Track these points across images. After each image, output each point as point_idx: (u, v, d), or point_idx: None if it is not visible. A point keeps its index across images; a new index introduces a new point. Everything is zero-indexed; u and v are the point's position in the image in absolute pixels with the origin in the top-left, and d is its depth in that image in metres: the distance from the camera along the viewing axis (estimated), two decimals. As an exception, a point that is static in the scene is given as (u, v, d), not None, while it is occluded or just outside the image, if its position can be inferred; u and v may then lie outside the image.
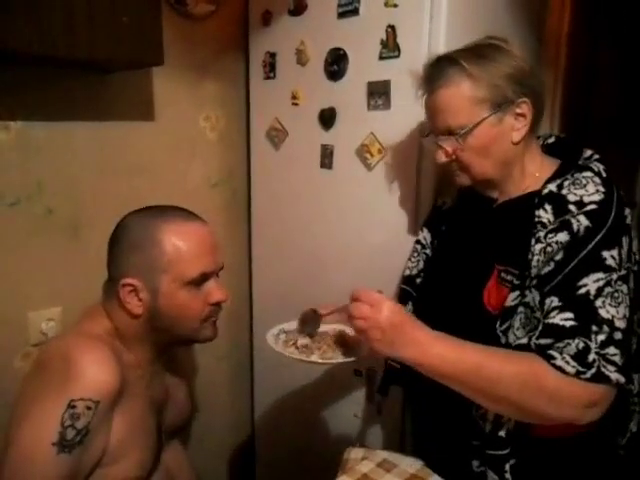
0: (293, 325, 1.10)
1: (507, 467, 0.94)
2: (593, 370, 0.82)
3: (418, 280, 1.19)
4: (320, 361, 1.01)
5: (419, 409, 1.19)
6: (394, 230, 1.34)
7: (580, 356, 0.83)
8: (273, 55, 1.58)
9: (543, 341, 0.86)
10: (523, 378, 0.85)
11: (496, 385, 0.86)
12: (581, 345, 0.83)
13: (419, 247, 1.21)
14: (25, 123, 1.30)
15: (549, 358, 0.84)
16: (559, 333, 0.85)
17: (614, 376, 0.82)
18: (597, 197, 0.88)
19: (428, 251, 1.20)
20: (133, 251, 0.98)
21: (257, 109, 1.68)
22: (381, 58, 1.29)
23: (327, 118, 1.45)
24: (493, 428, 0.95)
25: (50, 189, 1.36)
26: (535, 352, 0.87)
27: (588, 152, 0.98)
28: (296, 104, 1.53)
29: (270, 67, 1.59)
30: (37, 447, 0.85)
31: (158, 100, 1.54)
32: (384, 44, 1.28)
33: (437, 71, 0.97)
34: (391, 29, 1.26)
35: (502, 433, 0.94)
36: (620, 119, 2.33)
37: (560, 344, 0.84)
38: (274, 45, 1.57)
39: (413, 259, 1.21)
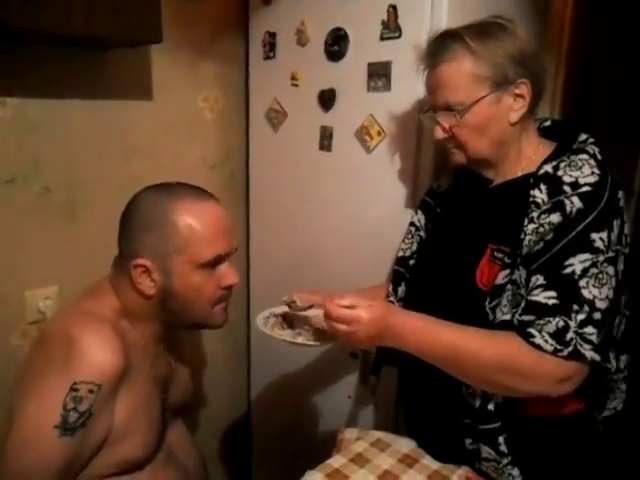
0: (283, 309, 1.11)
1: (501, 440, 0.96)
2: (570, 348, 0.84)
3: (411, 262, 1.20)
4: (309, 343, 1.02)
5: (411, 390, 1.20)
6: (393, 212, 1.34)
7: (559, 334, 0.85)
8: (273, 35, 1.56)
9: (526, 318, 0.88)
10: (498, 359, 0.88)
11: (472, 366, 0.90)
12: (561, 324, 0.85)
13: (413, 229, 1.21)
14: (22, 100, 1.29)
15: (528, 336, 0.87)
16: (541, 310, 0.87)
17: (589, 354, 0.85)
18: (592, 179, 0.89)
19: (422, 233, 1.20)
20: (146, 231, 0.95)
21: (256, 90, 1.66)
22: (382, 39, 1.28)
23: (327, 99, 1.44)
24: (482, 402, 0.97)
25: (47, 168, 1.35)
26: (516, 329, 0.89)
27: (584, 136, 0.98)
28: (296, 85, 1.52)
29: (270, 47, 1.57)
30: (39, 430, 0.84)
31: (156, 80, 1.53)
32: (385, 24, 1.27)
33: (440, 46, 0.96)
34: (392, 9, 1.24)
35: (491, 407, 0.96)
36: (621, 106, 2.32)
37: (541, 321, 0.86)
38: (274, 25, 1.55)
39: (407, 241, 1.22)
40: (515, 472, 0.96)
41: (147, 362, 1.01)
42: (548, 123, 1.08)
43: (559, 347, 0.84)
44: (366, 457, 1.07)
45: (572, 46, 1.86)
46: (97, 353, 0.87)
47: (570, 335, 0.84)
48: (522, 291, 0.91)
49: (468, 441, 1.01)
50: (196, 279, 0.96)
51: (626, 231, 0.91)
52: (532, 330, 0.87)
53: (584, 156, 0.92)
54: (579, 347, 0.84)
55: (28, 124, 1.31)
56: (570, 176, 0.90)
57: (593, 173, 0.89)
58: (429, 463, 1.05)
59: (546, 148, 1.00)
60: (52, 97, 1.34)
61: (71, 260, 1.42)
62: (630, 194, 2.57)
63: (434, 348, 0.92)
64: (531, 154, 1.00)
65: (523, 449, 0.96)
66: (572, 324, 0.85)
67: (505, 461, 0.96)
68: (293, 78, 1.52)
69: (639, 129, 2.47)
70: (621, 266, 0.89)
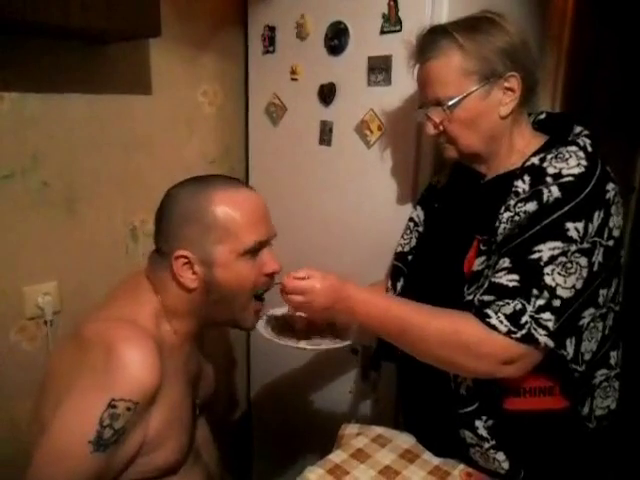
0: (282, 310, 1.10)
1: (478, 424, 0.96)
2: (524, 331, 0.85)
3: (409, 257, 1.20)
4: (309, 347, 1.03)
5: (408, 384, 1.20)
6: (393, 208, 1.33)
7: (514, 317, 0.86)
8: (272, 29, 1.55)
9: (486, 297, 0.89)
10: (444, 333, 0.90)
11: (418, 340, 0.93)
12: (518, 306, 0.86)
13: (412, 224, 1.21)
14: (20, 94, 1.28)
15: (484, 317, 0.87)
16: (501, 292, 0.87)
17: (542, 339, 0.85)
18: (576, 170, 0.88)
19: (420, 229, 1.20)
20: (185, 223, 0.93)
21: (256, 84, 1.65)
22: (382, 32, 1.27)
23: (327, 94, 1.43)
24: (455, 387, 0.98)
25: (45, 162, 1.34)
26: (474, 308, 0.90)
27: (578, 128, 0.98)
28: (295, 79, 1.51)
29: (269, 41, 1.56)
30: (73, 443, 0.82)
31: (155, 74, 1.52)
32: (386, 18, 1.26)
33: (429, 42, 0.97)
34: (393, 2, 1.23)
35: (462, 391, 0.97)
36: (622, 101, 2.31)
37: (500, 302, 0.87)
38: (274, 19, 1.54)
39: (406, 236, 1.22)
40: (500, 457, 0.96)
41: (181, 363, 0.99)
42: (543, 116, 1.08)
43: (513, 329, 0.85)
44: (367, 453, 1.07)
45: (573, 40, 1.85)
46: (138, 370, 0.84)
47: (525, 318, 0.85)
48: (489, 273, 0.92)
49: (460, 431, 1.00)
50: (239, 267, 0.95)
51: (612, 224, 0.89)
52: (489, 311, 0.87)
53: (573, 148, 0.91)
54: (533, 331, 0.85)
55: (26, 118, 1.30)
56: (554, 167, 0.90)
57: (579, 165, 0.88)
58: (430, 459, 1.06)
59: (539, 141, 0.99)
60: (50, 91, 1.33)
61: (70, 255, 1.42)
62: (630, 189, 2.56)
63: (383, 321, 0.96)
64: (523, 148, 0.99)
65: (505, 437, 0.96)
66: (529, 308, 0.85)
67: (487, 445, 0.97)
68: (293, 72, 1.51)
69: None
70: (599, 258, 0.88)
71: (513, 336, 0.85)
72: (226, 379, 1.95)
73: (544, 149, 0.95)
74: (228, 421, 2.00)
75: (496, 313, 0.86)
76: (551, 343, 0.86)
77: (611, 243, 0.90)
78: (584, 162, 0.89)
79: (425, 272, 1.12)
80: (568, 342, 0.90)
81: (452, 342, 0.89)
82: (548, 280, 0.85)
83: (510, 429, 0.96)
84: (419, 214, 1.21)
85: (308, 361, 1.60)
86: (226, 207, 0.93)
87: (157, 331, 0.94)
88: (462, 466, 1.03)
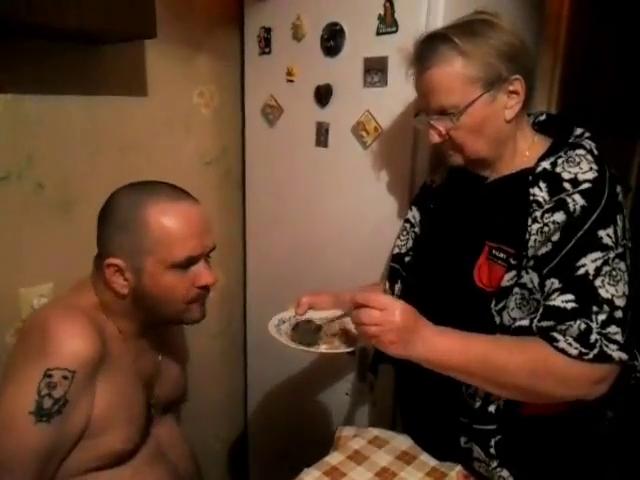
0: (291, 312, 1.10)
1: (492, 442, 0.95)
2: (595, 350, 0.83)
3: (407, 259, 1.19)
4: (323, 351, 1.02)
5: (408, 387, 1.20)
6: (389, 209, 1.33)
7: (582, 337, 0.83)
8: (268, 30, 1.55)
9: (545, 323, 0.86)
10: (531, 365, 0.86)
11: (504, 374, 0.87)
12: (583, 326, 0.83)
13: (408, 226, 1.21)
14: (15, 96, 1.27)
15: (552, 340, 0.85)
16: (560, 315, 0.85)
17: (616, 354, 0.83)
18: (591, 175, 0.88)
19: (417, 229, 1.19)
20: (119, 231, 0.96)
21: (252, 85, 1.65)
22: (378, 34, 1.27)
23: (323, 95, 1.43)
24: (482, 404, 0.96)
25: (41, 164, 1.34)
26: (537, 335, 0.87)
27: (579, 130, 0.97)
28: (291, 80, 1.51)
29: (265, 42, 1.56)
30: (14, 416, 0.86)
31: (151, 75, 1.51)
32: (381, 19, 1.26)
33: (428, 49, 0.94)
34: (389, 4, 1.23)
35: (491, 409, 0.95)
36: (618, 101, 2.31)
37: (562, 326, 0.84)
38: (270, 20, 1.54)
39: (402, 237, 1.21)
40: (505, 474, 0.96)
41: (129, 357, 1.02)
42: (543, 117, 1.07)
43: (584, 350, 0.83)
44: (364, 454, 1.07)
45: (569, 40, 1.85)
46: (70, 340, 0.88)
47: (594, 337, 0.83)
48: (537, 296, 0.89)
49: (463, 439, 1.00)
50: (167, 279, 0.96)
51: (626, 226, 0.90)
52: (555, 335, 0.85)
53: (581, 151, 0.91)
54: (605, 348, 0.83)
55: (21, 120, 1.29)
56: (569, 172, 0.89)
57: (591, 169, 0.89)
58: (427, 460, 1.06)
59: (541, 143, 0.99)
60: (46, 93, 1.32)
61: (66, 257, 1.41)
62: (627, 190, 2.57)
63: (463, 354, 0.88)
64: (526, 150, 0.99)
65: (514, 452, 0.96)
66: (594, 325, 0.83)
67: (494, 464, 0.96)
68: (289, 74, 1.51)
69: (636, 124, 2.48)
70: (628, 261, 0.88)
71: (585, 357, 0.82)
72: (223, 380, 1.94)
73: (551, 152, 0.94)
74: (224, 422, 1.99)
75: (563, 336, 0.84)
76: (625, 356, 0.84)
77: (630, 244, 0.90)
78: (595, 166, 0.89)
79: (428, 277, 1.10)
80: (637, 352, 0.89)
81: (540, 371, 0.85)
82: (603, 293, 0.84)
83: (521, 441, 0.96)
84: (415, 215, 1.20)
85: (305, 363, 1.60)
86: (160, 218, 0.94)
87: (97, 316, 0.98)
88: (459, 467, 1.03)
